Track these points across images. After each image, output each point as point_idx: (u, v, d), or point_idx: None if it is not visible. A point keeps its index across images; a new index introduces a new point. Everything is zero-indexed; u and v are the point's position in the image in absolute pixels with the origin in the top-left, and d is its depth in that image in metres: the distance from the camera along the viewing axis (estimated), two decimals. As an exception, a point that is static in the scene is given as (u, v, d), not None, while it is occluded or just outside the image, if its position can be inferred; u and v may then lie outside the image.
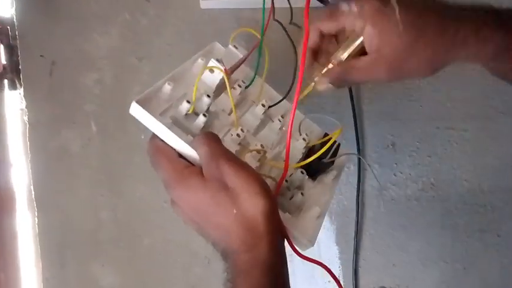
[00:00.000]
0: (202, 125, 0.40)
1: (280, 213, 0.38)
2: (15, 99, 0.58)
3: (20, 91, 0.57)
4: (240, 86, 0.45)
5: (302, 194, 0.42)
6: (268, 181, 0.41)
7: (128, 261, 0.60)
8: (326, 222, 0.62)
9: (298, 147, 0.47)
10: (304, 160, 0.44)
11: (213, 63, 0.42)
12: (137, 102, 0.37)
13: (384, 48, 0.36)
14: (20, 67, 0.56)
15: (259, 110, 0.46)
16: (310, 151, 0.47)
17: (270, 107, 0.46)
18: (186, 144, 0.37)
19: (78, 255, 0.59)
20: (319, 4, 0.48)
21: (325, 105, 0.61)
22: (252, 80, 0.47)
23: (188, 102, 0.39)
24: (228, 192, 0.33)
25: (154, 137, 0.38)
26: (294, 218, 0.41)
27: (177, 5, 0.58)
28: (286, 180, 0.42)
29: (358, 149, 0.62)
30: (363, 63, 0.38)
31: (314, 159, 0.44)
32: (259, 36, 0.44)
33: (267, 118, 0.47)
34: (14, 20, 0.56)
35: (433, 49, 0.36)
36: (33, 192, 0.56)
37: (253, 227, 0.33)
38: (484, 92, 0.62)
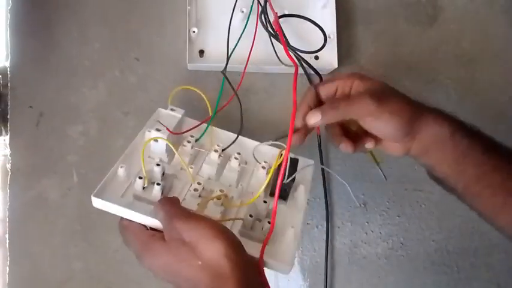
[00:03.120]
0: (159, 192, 0.42)
1: (256, 245, 0.40)
2: (-1, 146, 0.59)
3: (5, 138, 0.58)
4: (189, 141, 0.48)
5: (269, 222, 0.43)
6: (238, 223, 0.43)
7: (98, 315, 0.59)
8: (298, 279, 0.63)
9: (260, 176, 0.49)
10: (267, 187, 0.47)
11: (154, 134, 0.45)
12: (95, 195, 0.40)
13: (371, 87, 0.44)
14: (8, 116, 0.58)
15: (213, 156, 0.48)
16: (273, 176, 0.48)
17: (223, 150, 0.49)
18: (150, 219, 0.40)
19: (46, 307, 0.57)
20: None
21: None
22: (203, 134, 0.50)
23: (140, 178, 0.42)
24: (187, 247, 0.35)
25: (121, 219, 0.42)
26: (270, 245, 0.42)
27: (165, 64, 0.62)
28: (251, 215, 0.44)
29: (327, 206, 0.64)
30: (353, 96, 0.44)
31: (273, 183, 0.46)
32: (200, 93, 0.51)
33: (224, 160, 0.49)
34: (7, 71, 0.58)
35: (407, 101, 0.44)
36: (7, 241, 0.55)
37: (218, 271, 0.34)
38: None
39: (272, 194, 0.48)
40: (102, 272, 0.58)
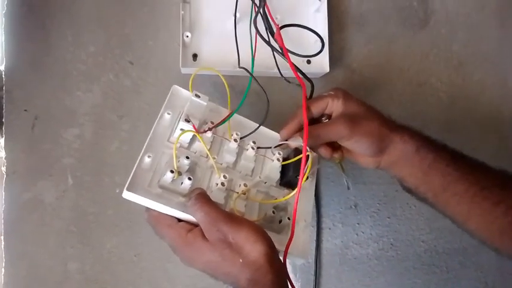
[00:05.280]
0: (189, 186, 0.44)
1: (272, 235, 0.43)
2: (-6, 149, 0.59)
3: (1, 141, 0.59)
4: (210, 129, 0.49)
5: (289, 218, 0.48)
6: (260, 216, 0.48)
7: (93, 315, 0.60)
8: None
9: (275, 167, 0.52)
10: (282, 179, 0.52)
11: (182, 125, 0.46)
12: (128, 189, 0.41)
13: (347, 111, 0.50)
14: (3, 119, 0.58)
15: (232, 145, 0.50)
16: (284, 167, 0.52)
17: (241, 138, 0.51)
18: (181, 212, 0.42)
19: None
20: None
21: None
22: (225, 121, 0.50)
23: (172, 172, 0.43)
24: (232, 248, 0.40)
25: (148, 209, 0.44)
26: (285, 236, 0.47)
27: (159, 68, 0.63)
28: (274, 212, 0.48)
29: (318, 204, 0.66)
30: (330, 121, 0.51)
31: (290, 176, 0.51)
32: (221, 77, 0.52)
33: (240, 149, 0.51)
34: (3, 74, 0.59)
35: (378, 122, 0.50)
36: (3, 242, 0.56)
37: (258, 268, 0.39)
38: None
39: (282, 184, 0.52)
40: (98, 273, 0.59)
